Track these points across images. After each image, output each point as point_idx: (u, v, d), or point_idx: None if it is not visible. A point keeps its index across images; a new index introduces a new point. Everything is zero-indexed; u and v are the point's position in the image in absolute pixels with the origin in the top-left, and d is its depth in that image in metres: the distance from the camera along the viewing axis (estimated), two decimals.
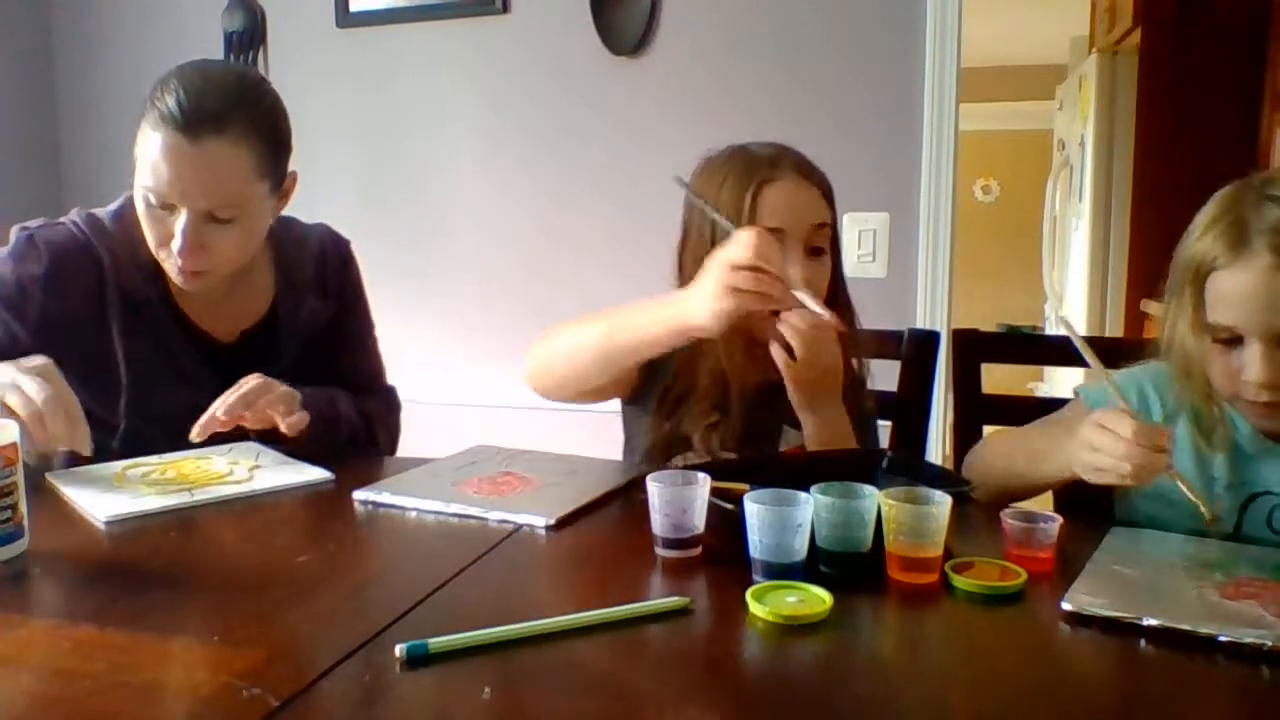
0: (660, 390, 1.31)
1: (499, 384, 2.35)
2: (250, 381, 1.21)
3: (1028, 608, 0.82)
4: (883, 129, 2.17)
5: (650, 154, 2.32)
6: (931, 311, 2.17)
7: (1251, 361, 1.00)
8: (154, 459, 1.22)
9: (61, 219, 1.32)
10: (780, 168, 1.26)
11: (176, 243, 1.21)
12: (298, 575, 0.90)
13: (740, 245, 1.04)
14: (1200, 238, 1.04)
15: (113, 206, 1.33)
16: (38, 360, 1.10)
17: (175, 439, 1.21)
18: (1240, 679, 0.71)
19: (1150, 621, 0.76)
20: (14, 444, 0.92)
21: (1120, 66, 3.50)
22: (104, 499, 1.07)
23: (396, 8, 2.48)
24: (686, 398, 1.28)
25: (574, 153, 2.42)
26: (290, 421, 1.22)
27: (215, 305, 1.34)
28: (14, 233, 1.28)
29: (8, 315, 1.26)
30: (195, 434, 1.18)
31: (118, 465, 1.19)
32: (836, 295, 1.30)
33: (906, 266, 2.18)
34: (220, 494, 1.10)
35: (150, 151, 1.19)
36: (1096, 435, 0.95)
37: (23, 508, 0.92)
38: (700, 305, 1.05)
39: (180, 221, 1.20)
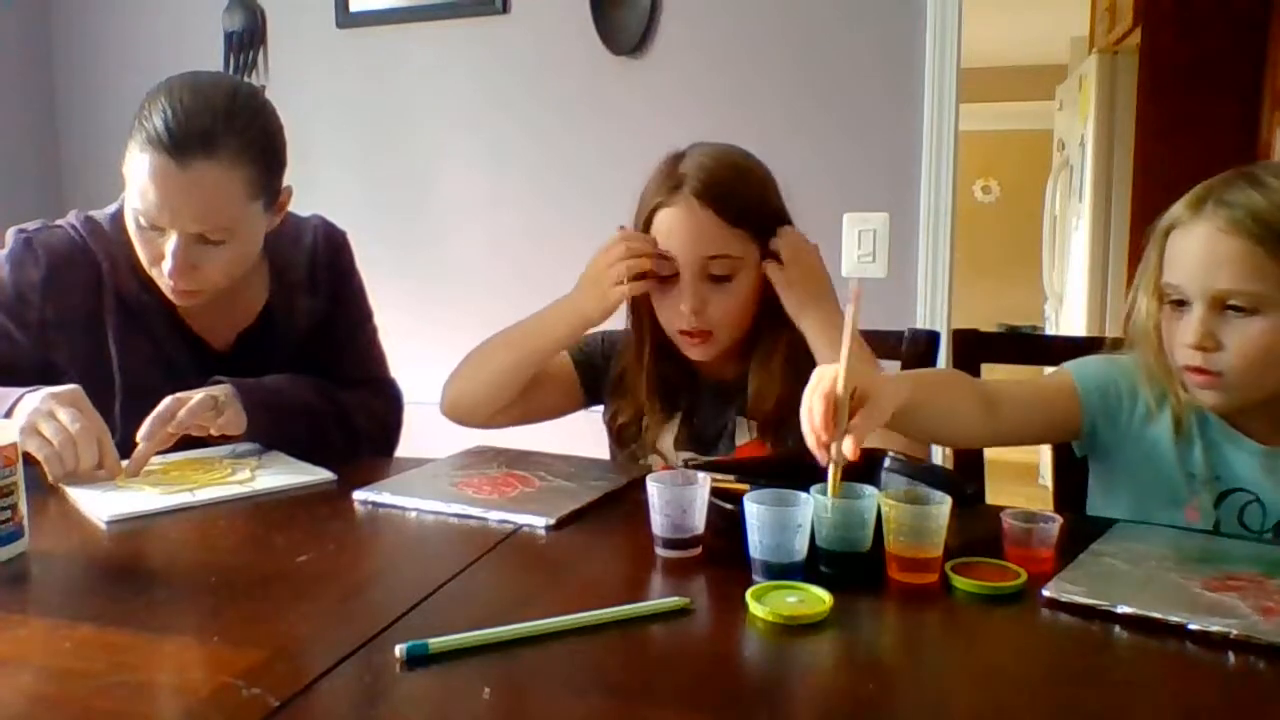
0: (609, 387, 1.38)
1: None
2: (163, 403, 1.18)
3: (1027, 608, 0.82)
4: (883, 129, 2.17)
5: (650, 154, 2.30)
6: (931, 311, 2.17)
7: (1187, 324, 1.02)
8: (156, 460, 1.21)
9: (59, 222, 1.31)
10: (679, 191, 1.24)
11: (167, 264, 1.19)
12: (298, 575, 0.90)
13: (612, 243, 1.27)
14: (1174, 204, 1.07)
15: (110, 209, 1.32)
16: (70, 388, 1.12)
17: (175, 444, 1.20)
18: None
19: (1124, 609, 0.77)
20: (14, 444, 0.92)
21: (1120, 66, 3.51)
22: (106, 499, 1.07)
23: (396, 8, 2.48)
24: (628, 394, 1.34)
25: (574, 152, 2.42)
26: (221, 423, 1.21)
27: (212, 310, 1.33)
28: (11, 236, 1.27)
29: (6, 320, 1.26)
30: (129, 472, 1.15)
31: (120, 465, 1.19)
32: (759, 321, 1.29)
33: (906, 266, 2.18)
34: (222, 494, 1.10)
35: (138, 174, 1.15)
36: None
37: (23, 508, 0.92)
38: (592, 301, 1.27)
39: (170, 244, 1.18)
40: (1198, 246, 1.01)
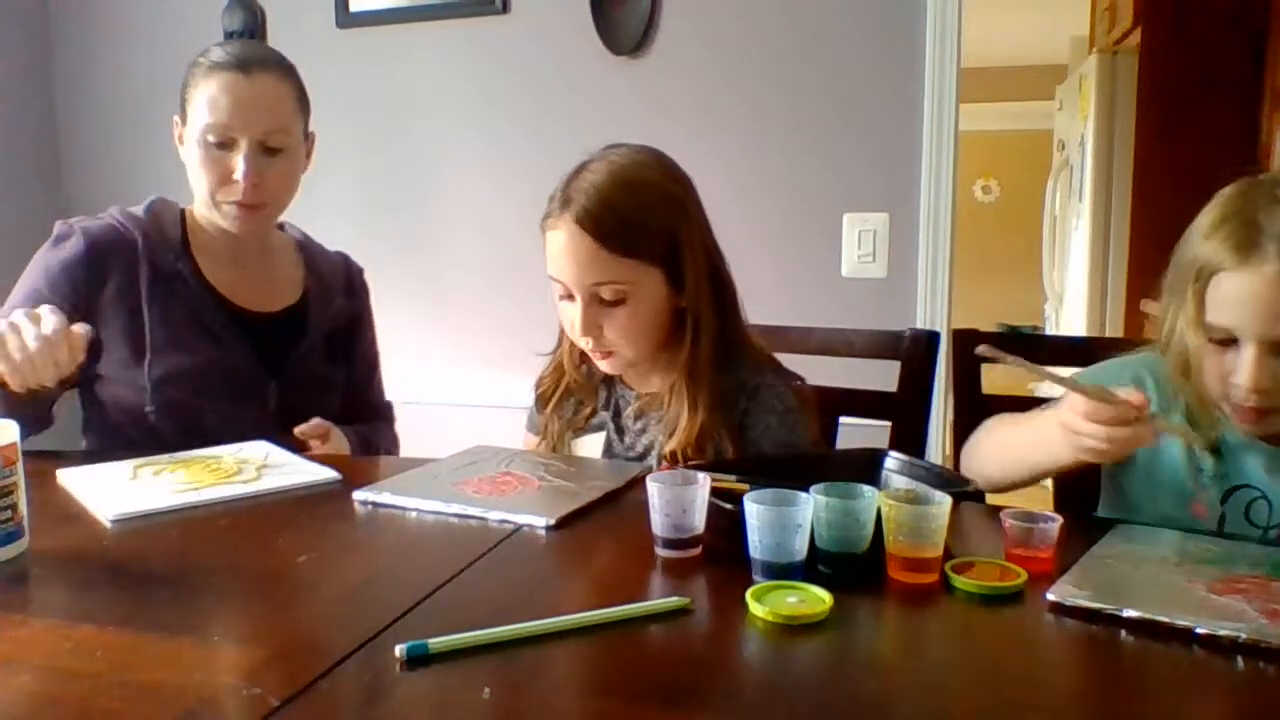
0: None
1: (499, 384, 2.35)
2: (316, 421, 1.37)
3: (1027, 608, 0.82)
4: (883, 129, 2.17)
5: None
6: (931, 311, 2.17)
7: (1244, 365, 0.99)
8: (164, 458, 1.23)
9: (99, 215, 1.43)
10: (562, 214, 1.20)
11: (240, 170, 1.34)
12: (298, 575, 0.90)
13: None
14: (1208, 238, 1.03)
15: (142, 205, 1.45)
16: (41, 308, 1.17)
17: (206, 397, 1.30)
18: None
19: (1130, 613, 0.77)
20: (14, 444, 0.92)
21: (1120, 66, 3.51)
22: (112, 498, 1.07)
23: (396, 8, 2.48)
24: (543, 399, 1.38)
25: (574, 153, 2.40)
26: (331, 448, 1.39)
27: (243, 283, 1.45)
28: (57, 226, 1.40)
29: (51, 295, 1.33)
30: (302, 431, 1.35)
31: (128, 465, 1.20)
32: (678, 335, 1.25)
33: (906, 266, 2.18)
34: (227, 494, 1.10)
35: (208, 92, 1.34)
36: (1076, 425, 0.96)
37: (23, 508, 0.92)
38: None
39: (240, 153, 1.35)
40: (1254, 295, 0.97)
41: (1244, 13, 3.14)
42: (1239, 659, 0.72)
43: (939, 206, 2.14)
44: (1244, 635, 0.73)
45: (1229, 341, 1.01)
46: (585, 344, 1.25)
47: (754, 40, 2.25)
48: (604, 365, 1.29)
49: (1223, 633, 0.73)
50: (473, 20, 2.43)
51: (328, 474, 1.18)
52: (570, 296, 1.23)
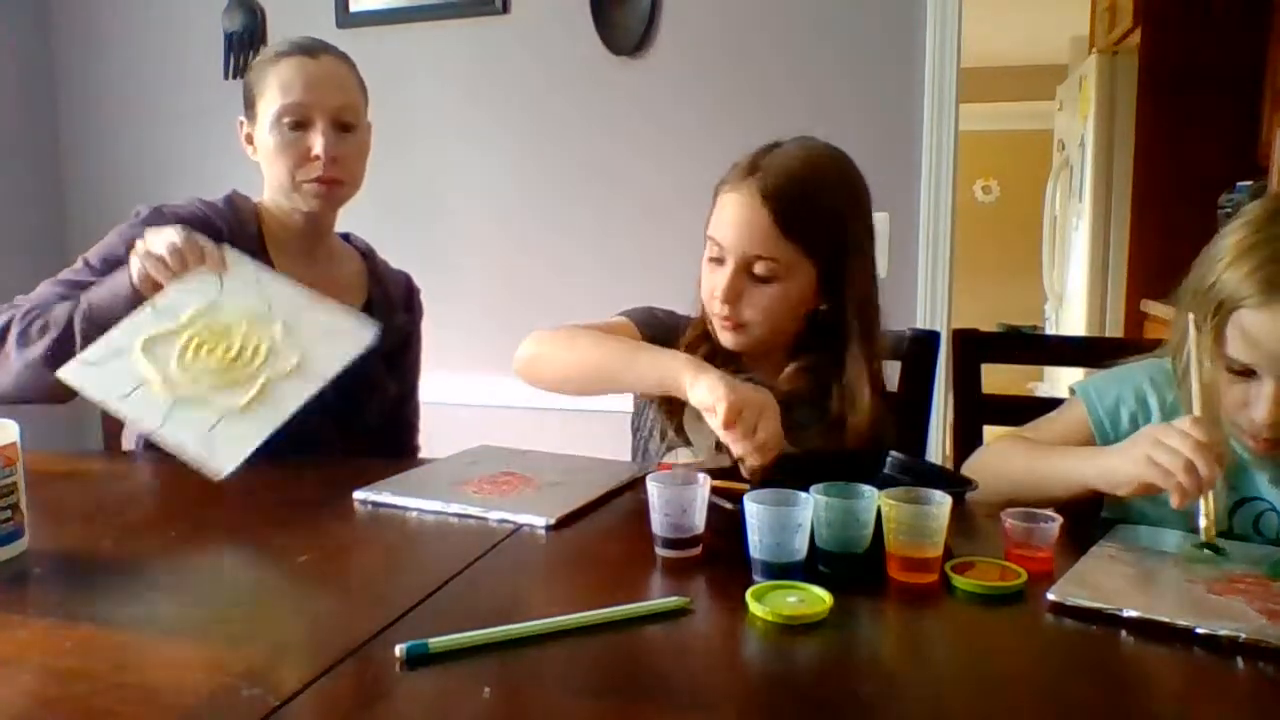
0: None
1: (499, 384, 2.35)
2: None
3: (1027, 608, 0.82)
4: (883, 129, 2.17)
5: (650, 154, 2.32)
6: (931, 311, 2.17)
7: (1262, 401, 0.98)
8: (162, 327, 1.23)
9: (180, 203, 1.47)
10: (747, 180, 1.21)
11: (318, 146, 1.39)
12: (298, 575, 0.90)
13: None
14: (1232, 268, 1.00)
15: (220, 196, 1.50)
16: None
17: None
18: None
19: (1130, 613, 0.77)
20: (14, 444, 0.92)
21: (1120, 66, 3.51)
22: (211, 450, 1.11)
23: (396, 8, 2.48)
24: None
25: (574, 153, 2.42)
26: None
27: (311, 281, 1.46)
28: (141, 209, 1.44)
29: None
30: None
31: (134, 346, 1.20)
32: (831, 345, 1.26)
33: (906, 266, 2.18)
34: (305, 392, 1.19)
35: (279, 78, 1.40)
36: (1169, 434, 0.94)
37: (23, 507, 0.92)
38: (702, 381, 1.07)
39: (316, 131, 1.40)
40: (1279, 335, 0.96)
41: (1244, 13, 3.14)
42: (1239, 659, 0.72)
43: (939, 206, 2.14)
44: (1244, 635, 0.73)
45: (1247, 372, 1.00)
46: (719, 310, 1.23)
47: (753, 40, 2.25)
48: (726, 337, 1.26)
49: (1223, 633, 0.73)
50: (473, 20, 2.44)
51: (363, 325, 1.26)
52: (721, 261, 1.24)
